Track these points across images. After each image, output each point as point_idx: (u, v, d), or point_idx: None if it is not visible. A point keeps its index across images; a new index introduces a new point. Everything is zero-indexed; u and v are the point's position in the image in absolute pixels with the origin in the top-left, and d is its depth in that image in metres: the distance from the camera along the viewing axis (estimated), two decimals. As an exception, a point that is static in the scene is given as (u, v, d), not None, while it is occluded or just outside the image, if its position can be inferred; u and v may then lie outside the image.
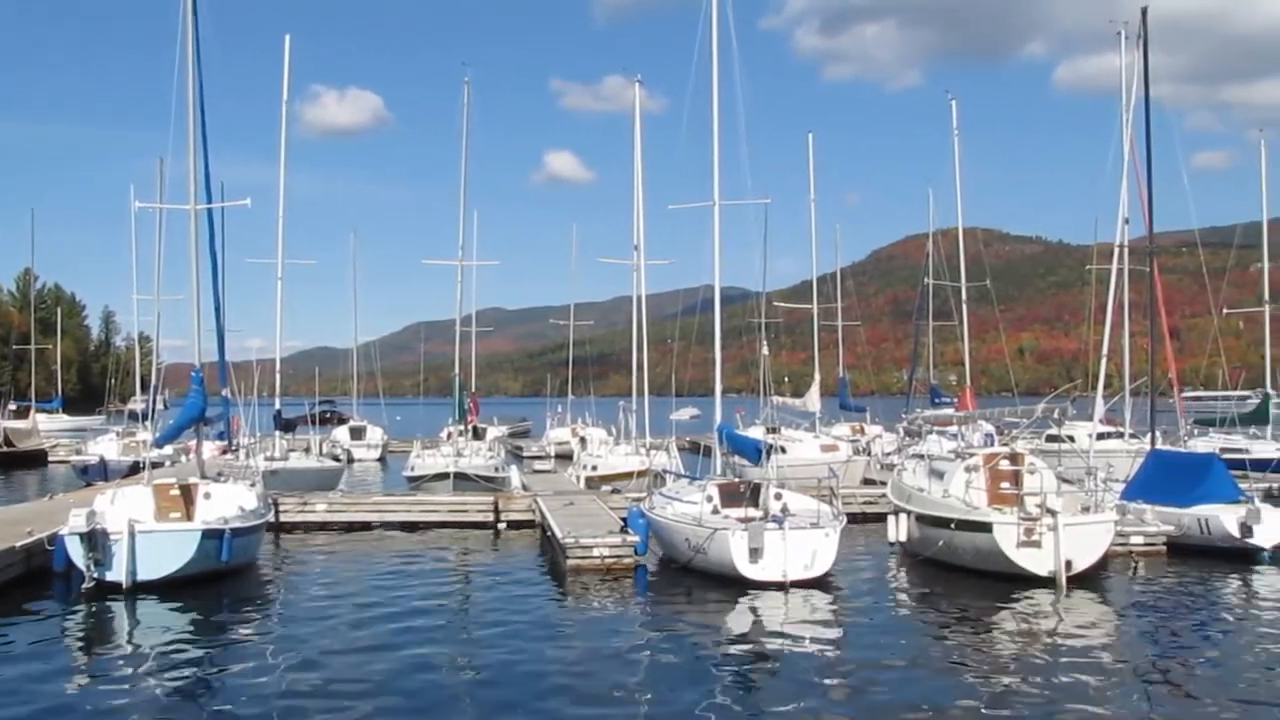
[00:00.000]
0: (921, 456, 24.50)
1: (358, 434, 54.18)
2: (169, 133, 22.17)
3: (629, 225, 36.50)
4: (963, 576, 18.96)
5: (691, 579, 18.70)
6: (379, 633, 14.94)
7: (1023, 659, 13.55)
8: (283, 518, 24.90)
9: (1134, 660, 13.71)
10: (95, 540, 17.03)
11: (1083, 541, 18.39)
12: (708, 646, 14.36)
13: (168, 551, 17.51)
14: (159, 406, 36.49)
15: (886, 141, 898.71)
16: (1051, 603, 17.04)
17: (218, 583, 18.10)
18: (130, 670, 12.93)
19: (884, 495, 24.72)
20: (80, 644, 14.87)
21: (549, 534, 21.90)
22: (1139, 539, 21.24)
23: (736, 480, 21.94)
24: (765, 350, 37.06)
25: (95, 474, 36.18)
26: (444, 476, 29.90)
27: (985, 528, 18.67)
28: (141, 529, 17.47)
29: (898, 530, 21.39)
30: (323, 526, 25.34)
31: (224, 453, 28.18)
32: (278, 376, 36.36)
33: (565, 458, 43.60)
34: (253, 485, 21.82)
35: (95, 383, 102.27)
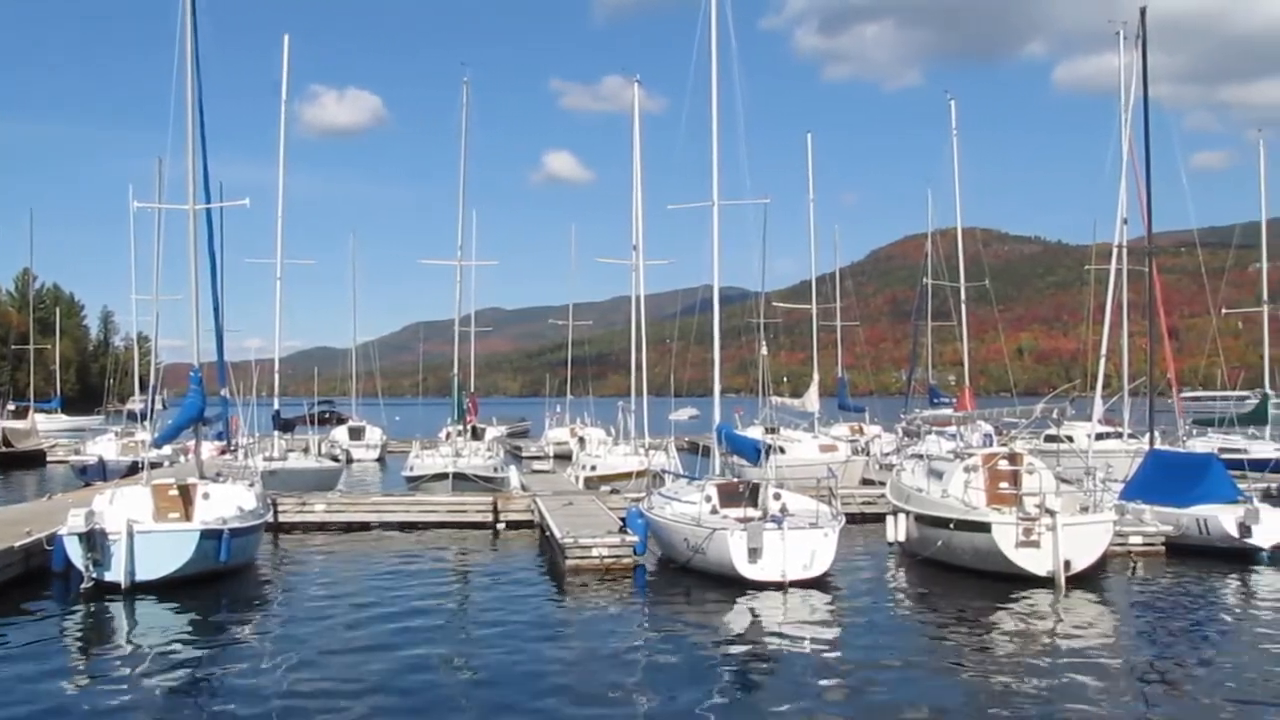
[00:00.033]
0: (920, 456, 24.51)
1: (356, 434, 54.17)
2: (168, 133, 22.18)
3: (628, 225, 36.55)
4: (961, 576, 18.97)
5: (690, 579, 18.70)
6: (377, 633, 14.94)
7: (1021, 659, 13.56)
8: (281, 518, 24.89)
9: (1133, 660, 13.71)
10: (94, 540, 17.02)
11: (1081, 541, 18.40)
12: (706, 646, 14.36)
13: (166, 552, 17.50)
14: (158, 407, 36.44)
15: (885, 141, 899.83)
16: (1050, 603, 17.04)
17: (216, 583, 18.09)
18: (129, 670, 12.93)
19: (883, 495, 24.72)
20: (79, 644, 14.86)
21: (548, 534, 21.89)
22: (1138, 539, 21.25)
23: (735, 480, 21.95)
24: (764, 350, 37.08)
25: (94, 474, 36.16)
26: (443, 477, 29.90)
27: (984, 528, 18.67)
28: (140, 529, 17.47)
29: (896, 530, 21.39)
30: (321, 527, 25.33)
31: (223, 453, 28.15)
32: (276, 376, 36.35)
33: (564, 458, 43.59)
34: (251, 485, 21.81)
35: (94, 383, 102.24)
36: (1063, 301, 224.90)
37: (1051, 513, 18.19)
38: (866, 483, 31.28)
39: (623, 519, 21.12)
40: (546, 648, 14.06)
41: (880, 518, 22.90)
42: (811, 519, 18.69)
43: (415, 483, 31.12)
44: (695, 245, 25.44)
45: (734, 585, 17.70)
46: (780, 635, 14.94)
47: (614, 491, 28.29)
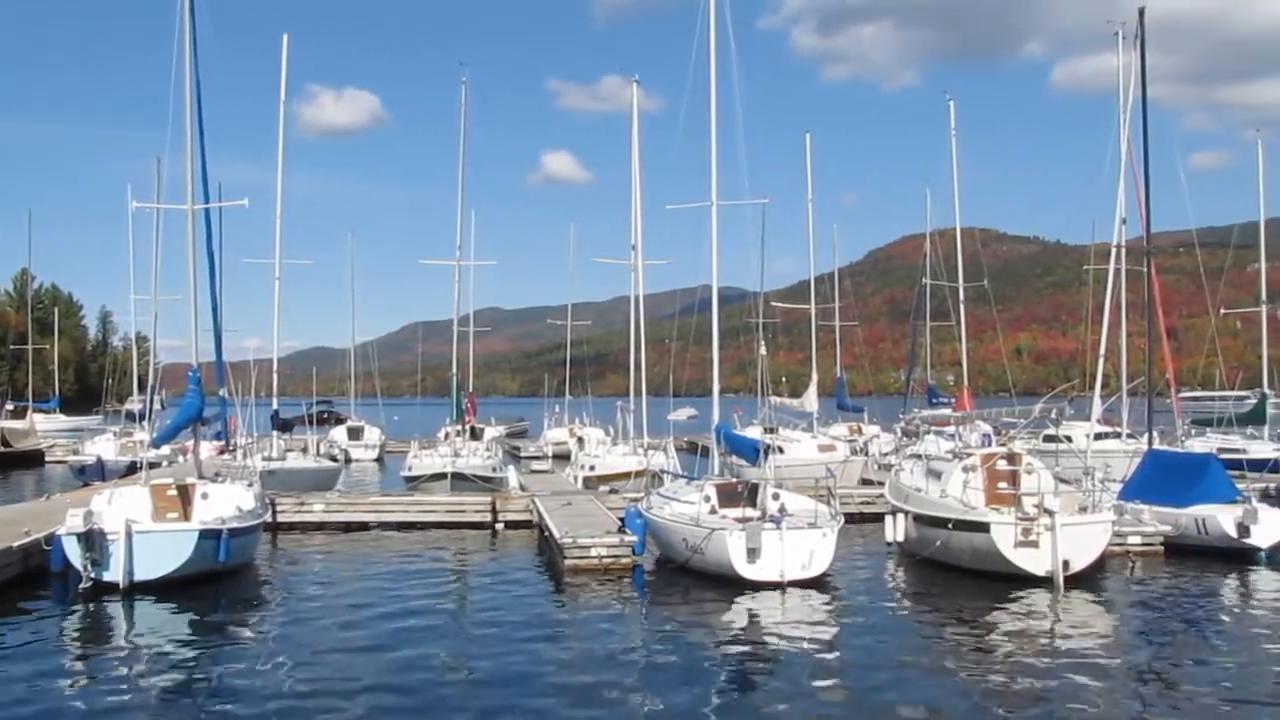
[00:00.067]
0: (919, 456, 24.52)
1: (355, 434, 54.20)
2: (166, 133, 22.19)
3: (627, 225, 36.59)
4: (960, 576, 18.97)
5: (689, 579, 18.69)
6: (376, 633, 14.94)
7: (1020, 659, 13.56)
8: (280, 518, 24.90)
9: (1131, 660, 13.71)
10: (92, 540, 17.02)
11: (1080, 541, 18.41)
12: (705, 646, 14.36)
13: (165, 551, 17.50)
14: (156, 406, 36.35)
15: (884, 142, 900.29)
16: (1049, 603, 17.04)
17: (215, 583, 18.08)
18: (127, 670, 12.93)
19: (881, 495, 24.73)
20: (77, 644, 14.84)
21: (546, 534, 21.89)
22: (1136, 539, 21.26)
23: (734, 480, 21.95)
24: (763, 350, 36.98)
25: (92, 474, 36.15)
26: (441, 477, 29.89)
27: (983, 528, 18.68)
28: (139, 529, 17.47)
29: (895, 530, 21.39)
30: (320, 526, 25.33)
31: (221, 453, 28.15)
32: (275, 376, 36.33)
33: (563, 458, 43.57)
34: (250, 485, 21.82)
35: (92, 383, 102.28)
36: (1061, 301, 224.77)
37: (1050, 513, 18.20)
38: (865, 483, 31.29)
39: (621, 519, 21.13)
40: (545, 648, 14.06)
41: (879, 518, 22.91)
42: (810, 519, 18.69)
43: (414, 483, 31.12)
44: (694, 245, 25.47)
45: (733, 585, 17.70)
46: (779, 635, 14.94)
47: (613, 491, 28.29)
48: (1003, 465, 20.28)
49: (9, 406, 61.52)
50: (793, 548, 17.88)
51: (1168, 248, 38.60)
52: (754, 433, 30.91)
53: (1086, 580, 18.41)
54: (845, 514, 20.72)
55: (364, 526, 25.45)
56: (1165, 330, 29.57)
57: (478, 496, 26.90)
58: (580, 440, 43.33)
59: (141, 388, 50.22)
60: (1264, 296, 40.00)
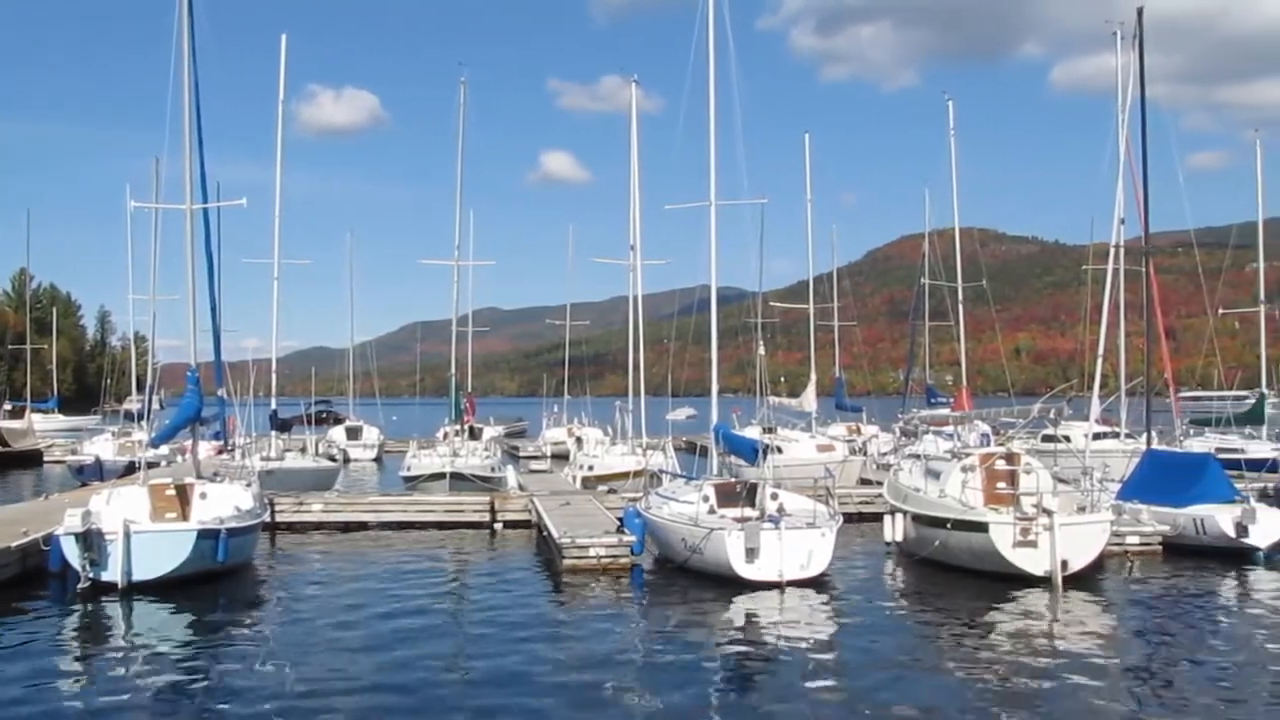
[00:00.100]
0: (918, 456, 24.50)
1: (354, 434, 54.19)
2: (165, 133, 22.16)
3: (625, 225, 36.55)
4: (959, 576, 18.97)
5: (688, 579, 18.69)
6: (374, 633, 14.93)
7: (1019, 659, 13.56)
8: (279, 518, 24.89)
9: (1129, 660, 13.72)
10: (91, 540, 17.01)
11: (1079, 541, 18.41)
12: (703, 646, 14.36)
13: (163, 551, 17.48)
14: (155, 406, 36.32)
15: (883, 142, 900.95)
16: (1047, 603, 17.05)
17: (213, 583, 18.07)
18: (125, 670, 12.92)
19: (880, 495, 24.72)
20: (75, 644, 14.83)
21: (545, 534, 21.89)
22: (1135, 539, 21.26)
23: (733, 480, 21.94)
24: (762, 350, 37.17)
25: (91, 474, 36.13)
26: (440, 476, 29.89)
27: (981, 528, 18.68)
28: (137, 529, 17.45)
29: (894, 530, 21.40)
30: (319, 526, 25.32)
31: (220, 453, 28.12)
32: (274, 376, 36.33)
33: (561, 458, 43.59)
34: (249, 485, 21.80)
35: (91, 383, 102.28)
36: (1060, 301, 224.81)
37: (1049, 513, 18.20)
38: (864, 482, 31.30)
39: (620, 519, 21.13)
40: (543, 647, 14.06)
41: (877, 517, 22.92)
42: (809, 519, 18.69)
43: (412, 482, 31.11)
44: (693, 245, 25.47)
45: (731, 585, 17.69)
46: (777, 635, 14.94)
47: (611, 491, 28.28)
48: (1001, 465, 20.28)
49: (7, 406, 61.54)
50: (791, 548, 17.88)
51: (1166, 248, 38.61)
52: (753, 432, 30.99)
53: (1085, 580, 18.42)
54: (844, 514, 20.71)
55: (362, 526, 25.44)
56: (1164, 330, 29.57)
57: (476, 496, 26.89)
58: (579, 440, 43.34)
59: (140, 388, 50.25)
60: (1262, 296, 39.99)
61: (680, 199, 26.07)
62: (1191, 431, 35.22)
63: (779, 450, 28.90)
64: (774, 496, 20.00)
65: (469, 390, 50.22)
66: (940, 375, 60.63)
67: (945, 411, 40.78)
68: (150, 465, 23.94)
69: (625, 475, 31.22)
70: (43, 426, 62.24)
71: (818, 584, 17.98)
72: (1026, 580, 18.03)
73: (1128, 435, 32.41)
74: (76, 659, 13.92)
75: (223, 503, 19.85)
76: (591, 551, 19.42)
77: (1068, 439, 25.46)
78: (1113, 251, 27.49)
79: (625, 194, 36.21)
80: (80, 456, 40.06)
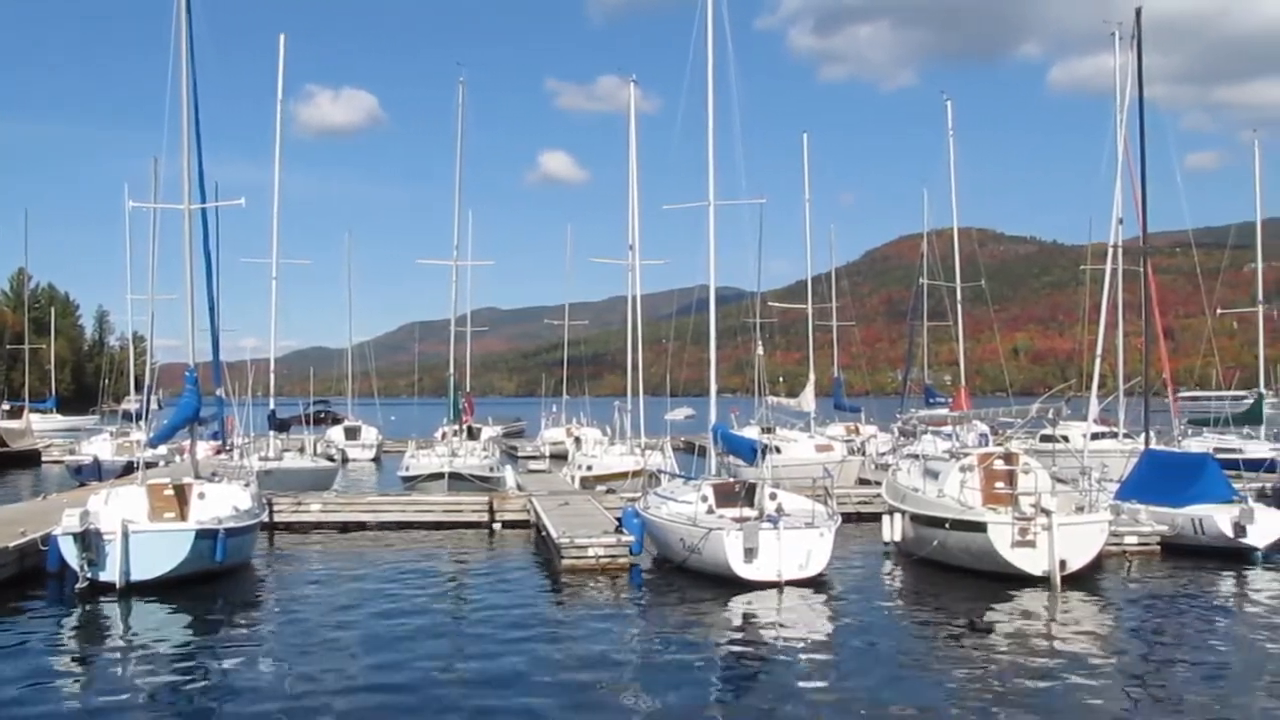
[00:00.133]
0: (916, 456, 24.51)
1: (352, 434, 54.17)
2: (164, 132, 22.14)
3: (624, 225, 36.57)
4: (957, 576, 18.98)
5: (686, 579, 18.69)
6: (373, 632, 14.93)
7: (1017, 659, 13.56)
8: (277, 518, 24.88)
9: (1128, 660, 13.73)
10: (89, 540, 16.99)
11: (1077, 541, 18.42)
12: (702, 646, 14.36)
13: (162, 551, 17.47)
14: (153, 406, 36.32)
15: (881, 142, 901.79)
16: (1046, 603, 17.06)
17: (212, 583, 18.06)
18: (124, 670, 12.93)
19: (879, 495, 24.72)
20: (74, 644, 14.83)
21: (544, 534, 21.88)
22: (1133, 539, 21.27)
23: (731, 480, 21.94)
24: (760, 350, 37.09)
25: (89, 474, 36.11)
26: (439, 476, 29.89)
27: (980, 527, 18.68)
28: (135, 529, 17.44)
29: (892, 530, 21.40)
30: (317, 526, 25.32)
31: (218, 453, 28.09)
32: (272, 376, 36.27)
33: (560, 458, 43.58)
34: (247, 485, 21.78)
35: (89, 383, 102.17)
36: (1058, 301, 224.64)
37: (1047, 512, 18.21)
38: (862, 482, 31.31)
39: (619, 519, 21.13)
40: (542, 647, 14.06)
41: (876, 517, 22.92)
42: (807, 519, 18.69)
43: (411, 482, 31.11)
44: (691, 245, 25.47)
45: (730, 585, 17.70)
46: (775, 635, 14.96)
47: (610, 491, 28.28)
48: (1000, 465, 20.30)
49: (5, 406, 61.47)
50: (790, 547, 17.88)
51: (1164, 248, 38.67)
52: (751, 432, 30.97)
53: (1083, 580, 18.42)
54: (842, 514, 20.71)
55: (361, 526, 25.42)
56: (1162, 330, 29.57)
57: (475, 496, 26.89)
58: (577, 440, 43.35)
59: (138, 388, 50.16)
60: (1260, 296, 40.00)
61: (679, 199, 26.12)
62: (1190, 431, 35.23)
63: (777, 450, 28.88)
64: (772, 496, 20.01)
65: (467, 390, 50.20)
66: (939, 375, 60.66)
67: (944, 411, 40.80)
68: (148, 465, 23.94)
69: (624, 475, 31.22)
70: (41, 426, 62.16)
71: (816, 584, 17.98)
72: (1025, 580, 18.04)
73: (1126, 435, 32.40)
74: (74, 659, 13.91)
75: (221, 503, 19.84)
76: (590, 551, 19.42)
77: (1066, 439, 25.51)
78: (1111, 251, 27.51)
79: (624, 194, 36.27)
80: (78, 456, 40.04)
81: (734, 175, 26.34)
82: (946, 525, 19.46)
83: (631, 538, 19.76)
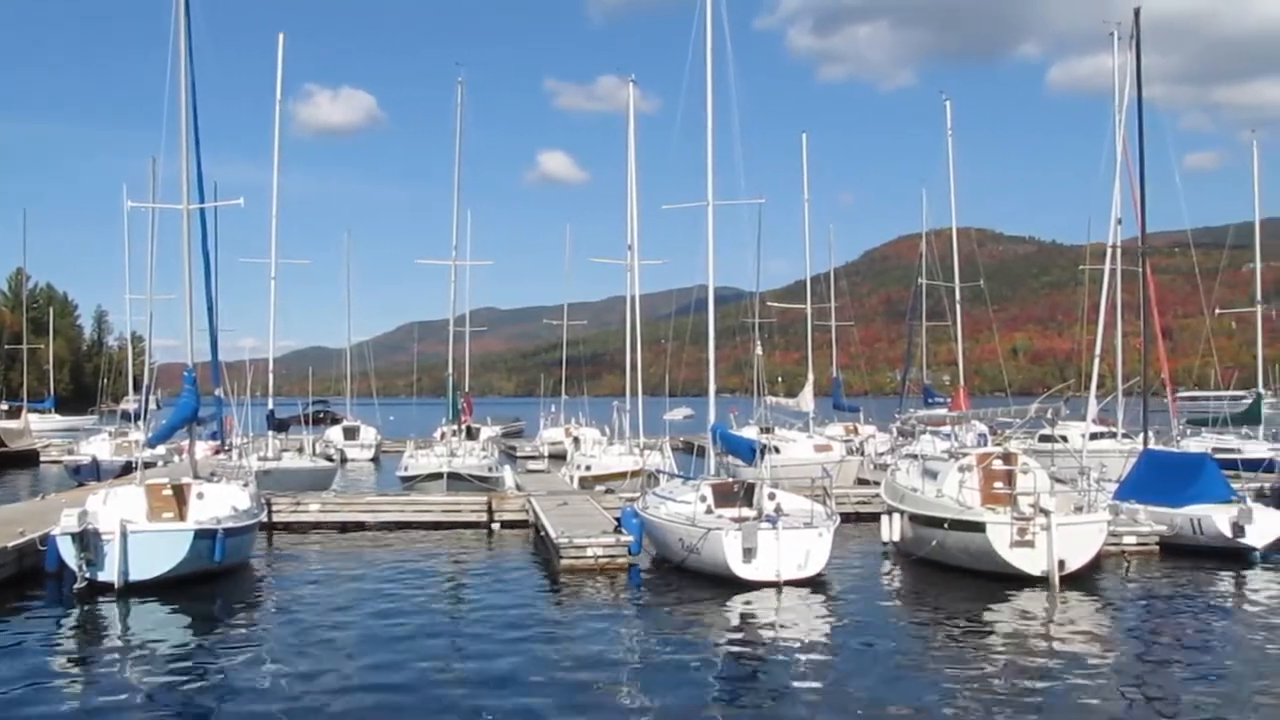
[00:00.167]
0: (915, 456, 24.51)
1: (351, 434, 54.18)
2: (162, 132, 22.13)
3: (623, 225, 36.59)
4: (956, 576, 18.99)
5: (685, 579, 18.69)
6: (371, 632, 14.93)
7: (1015, 659, 13.57)
8: (276, 518, 24.87)
9: (1126, 660, 13.73)
10: (87, 540, 16.99)
11: (1076, 541, 18.42)
12: (701, 646, 14.37)
13: (160, 551, 17.46)
14: (152, 406, 36.35)
15: (880, 142, 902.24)
16: (1044, 602, 17.06)
17: (211, 583, 18.05)
18: (122, 671, 12.91)
19: (877, 495, 24.72)
20: (72, 644, 14.83)
21: (543, 534, 21.88)
22: (1132, 539, 21.28)
23: (730, 480, 21.94)
24: (759, 350, 37.14)
25: (88, 474, 36.10)
26: (438, 476, 29.88)
27: (979, 528, 18.69)
28: (134, 529, 17.43)
29: (891, 530, 21.40)
30: (316, 526, 25.32)
31: (217, 453, 28.10)
32: (271, 376, 36.27)
33: (559, 458, 43.57)
34: (246, 485, 21.78)
35: (88, 383, 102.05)
36: (1057, 302, 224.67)
37: (1046, 512, 18.22)
38: (861, 482, 31.32)
39: (617, 519, 21.13)
40: (540, 647, 14.05)
41: (875, 517, 22.92)
42: (806, 519, 18.69)
43: (410, 483, 31.10)
44: (690, 245, 25.49)
45: (729, 585, 17.70)
46: (774, 635, 14.96)
47: (609, 491, 28.28)
48: (998, 465, 20.30)
49: (4, 406, 61.43)
50: (789, 547, 17.88)
51: (1163, 248, 38.73)
52: (750, 432, 31.01)
53: (1082, 580, 18.43)
54: (841, 514, 20.73)
55: (360, 526, 25.42)
56: (1160, 330, 29.57)
57: (474, 496, 26.88)
58: (576, 440, 43.33)
59: (137, 388, 50.11)
60: (1259, 296, 40.04)
61: (678, 199, 26.13)
62: (1188, 431, 35.23)
63: (776, 450, 28.92)
64: (771, 496, 20.01)
65: (466, 390, 50.20)
66: (937, 375, 60.67)
67: (942, 411, 40.85)
68: (147, 465, 23.93)
69: (623, 475, 31.21)
70: (39, 426, 62.13)
71: (815, 584, 17.98)
72: (1023, 580, 18.05)
73: (1125, 435, 32.41)
74: (73, 659, 13.90)
75: (220, 503, 19.84)
76: (589, 551, 19.42)
77: (1065, 439, 25.51)
78: (1110, 251, 27.53)
79: (623, 194, 36.28)
80: (77, 456, 40.04)
81: (733, 175, 26.36)
82: (945, 525, 19.46)
83: (630, 538, 19.76)
